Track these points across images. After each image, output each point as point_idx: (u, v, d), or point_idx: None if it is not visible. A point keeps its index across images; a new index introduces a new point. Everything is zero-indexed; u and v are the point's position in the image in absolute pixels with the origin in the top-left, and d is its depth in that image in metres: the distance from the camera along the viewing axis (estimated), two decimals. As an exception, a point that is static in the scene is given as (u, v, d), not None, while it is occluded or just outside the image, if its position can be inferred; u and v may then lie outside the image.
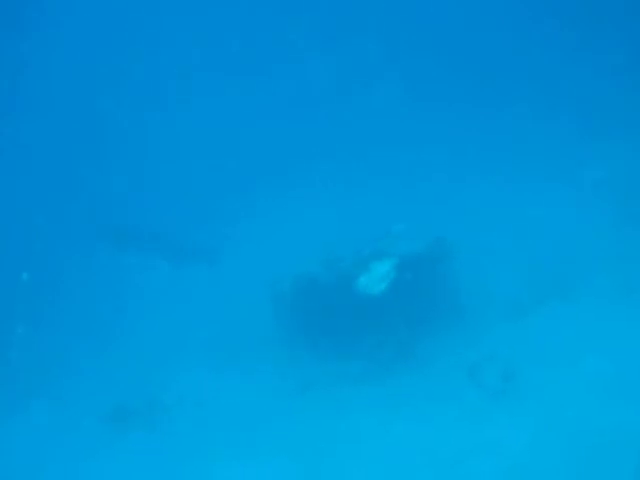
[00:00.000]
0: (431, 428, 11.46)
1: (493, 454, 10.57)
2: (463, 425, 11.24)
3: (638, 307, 12.22)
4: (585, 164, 16.89)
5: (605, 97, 18.64)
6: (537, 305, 13.22)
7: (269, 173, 20.29)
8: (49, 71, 22.60)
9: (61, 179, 20.59)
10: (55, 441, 13.29)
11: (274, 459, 11.65)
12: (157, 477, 11.96)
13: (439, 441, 11.12)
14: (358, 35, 22.20)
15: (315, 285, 13.51)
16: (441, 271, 13.60)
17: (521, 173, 17.40)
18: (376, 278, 12.92)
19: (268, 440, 12.06)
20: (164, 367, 14.71)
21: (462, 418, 11.41)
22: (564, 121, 18.57)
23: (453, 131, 19.88)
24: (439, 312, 13.39)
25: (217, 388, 13.69)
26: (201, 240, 18.28)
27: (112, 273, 18.20)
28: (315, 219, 17.79)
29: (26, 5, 22.26)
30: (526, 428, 10.77)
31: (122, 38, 23.29)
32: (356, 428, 11.85)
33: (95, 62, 22.81)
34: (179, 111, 23.11)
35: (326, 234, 15.95)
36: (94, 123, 22.00)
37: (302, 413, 12.43)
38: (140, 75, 23.74)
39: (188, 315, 16.30)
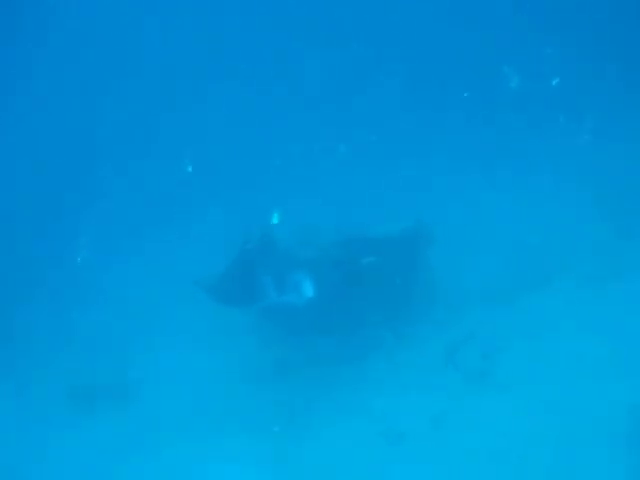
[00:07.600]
0: (407, 409, 11.41)
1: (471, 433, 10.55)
2: (441, 406, 11.21)
3: (614, 293, 12.37)
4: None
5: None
6: (517, 290, 13.19)
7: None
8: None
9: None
10: (21, 422, 13.06)
11: (249, 439, 11.50)
12: (125, 457, 11.75)
13: (416, 422, 11.08)
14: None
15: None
16: (420, 255, 13.43)
17: (501, 160, 17.31)
18: None
19: (243, 419, 11.96)
20: (133, 344, 14.61)
21: (439, 399, 11.37)
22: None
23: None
24: (416, 295, 13.28)
25: (188, 366, 13.57)
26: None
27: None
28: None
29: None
30: (504, 409, 10.77)
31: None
32: (333, 408, 11.80)
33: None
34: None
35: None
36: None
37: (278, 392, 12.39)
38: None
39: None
